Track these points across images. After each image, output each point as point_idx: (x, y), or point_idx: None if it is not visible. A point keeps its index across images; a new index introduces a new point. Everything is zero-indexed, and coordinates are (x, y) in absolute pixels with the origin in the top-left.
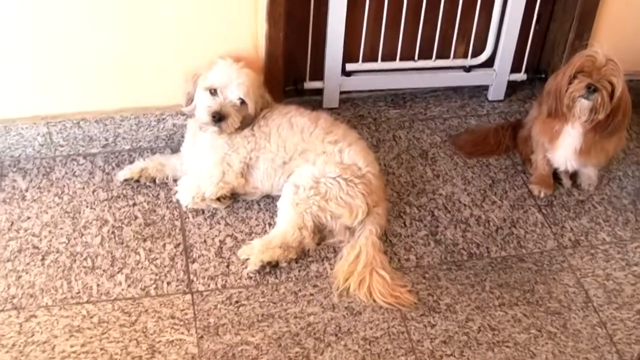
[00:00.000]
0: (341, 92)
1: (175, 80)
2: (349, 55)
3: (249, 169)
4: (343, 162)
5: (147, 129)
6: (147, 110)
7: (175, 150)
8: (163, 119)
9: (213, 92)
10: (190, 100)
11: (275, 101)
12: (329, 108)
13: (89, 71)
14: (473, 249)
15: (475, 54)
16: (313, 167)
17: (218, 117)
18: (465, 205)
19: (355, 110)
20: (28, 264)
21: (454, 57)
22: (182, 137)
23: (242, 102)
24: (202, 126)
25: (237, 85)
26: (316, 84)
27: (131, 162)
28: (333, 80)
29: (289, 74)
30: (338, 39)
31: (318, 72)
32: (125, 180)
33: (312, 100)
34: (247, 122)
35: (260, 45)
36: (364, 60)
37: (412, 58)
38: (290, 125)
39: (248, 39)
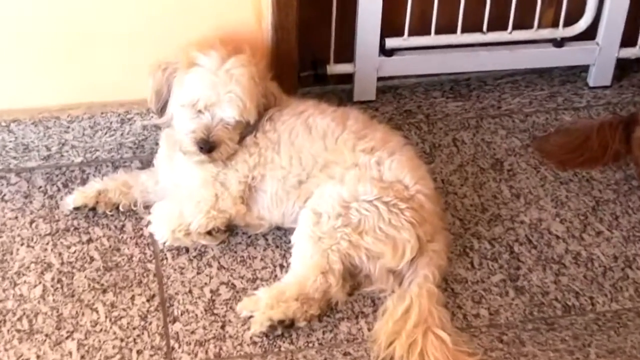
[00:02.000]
0: (379, 79)
1: (146, 66)
2: (390, 26)
3: (251, 191)
4: (383, 179)
5: (106, 133)
6: (107, 107)
7: (146, 163)
8: (129, 120)
9: (196, 108)
10: (162, 106)
11: (287, 94)
12: (363, 101)
13: (23, 51)
14: (570, 299)
15: (569, 22)
16: (341, 187)
17: (207, 148)
18: (557, 237)
19: (399, 104)
20: None
21: (540, 26)
22: (157, 144)
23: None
24: (185, 152)
25: (230, 103)
26: (344, 68)
27: (84, 182)
28: (368, 61)
29: (305, 54)
30: (374, 3)
31: (347, 51)
32: (77, 207)
33: (339, 91)
34: (247, 131)
35: (265, 14)
36: (411, 34)
37: (479, 29)
38: (308, 129)
39: (247, 5)
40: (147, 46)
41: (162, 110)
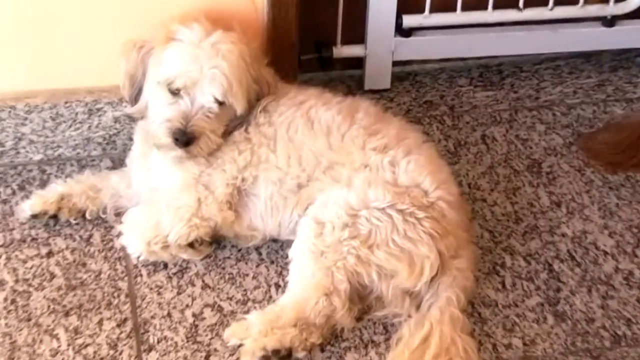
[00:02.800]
0: (395, 63)
1: (118, 47)
2: (408, 2)
3: (241, 195)
4: (398, 183)
5: (71, 126)
6: (72, 95)
7: (118, 162)
8: (98, 110)
9: (172, 90)
10: (137, 93)
11: (285, 81)
12: (375, 90)
13: None
14: (620, 328)
15: None
16: (348, 192)
17: (184, 140)
18: (605, 253)
19: (418, 94)
20: None
21: (586, 2)
22: (130, 139)
23: (222, 103)
24: (159, 146)
25: (212, 81)
26: (353, 50)
27: (44, 185)
28: (381, 43)
29: (307, 34)
30: None
31: (356, 30)
32: (35, 215)
33: (346, 78)
34: (235, 124)
35: None
36: (432, 10)
37: (514, 5)
38: (309, 123)
39: None
40: (119, 25)
41: (136, 98)
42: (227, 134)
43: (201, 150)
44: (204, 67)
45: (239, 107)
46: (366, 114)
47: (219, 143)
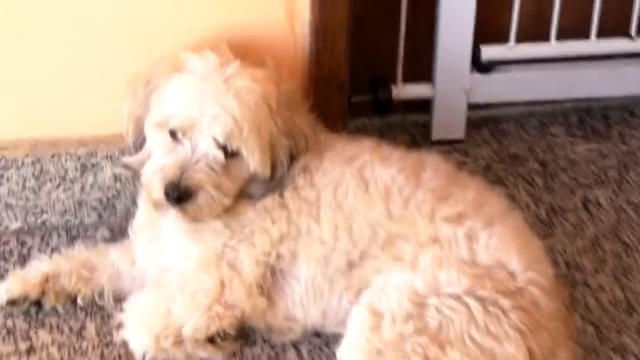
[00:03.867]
0: (471, 107)
1: (120, 86)
2: (488, 29)
3: (276, 277)
4: (476, 262)
5: (59, 186)
6: (60, 147)
7: (118, 233)
8: (93, 166)
9: (173, 133)
10: (140, 140)
11: (331, 130)
12: (446, 141)
13: None
14: None
15: None
16: (412, 274)
17: (177, 195)
18: None
19: (500, 146)
20: None
21: None
22: (134, 203)
23: (232, 153)
24: (154, 205)
25: (213, 120)
26: (418, 90)
27: (24, 262)
28: (454, 80)
29: (359, 70)
30: None
31: (422, 66)
32: (12, 301)
33: (409, 126)
34: (263, 189)
35: (300, 10)
36: (519, 40)
37: (624, 33)
38: (363, 184)
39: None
40: (122, 59)
41: (141, 145)
42: (250, 197)
43: (200, 210)
44: (206, 105)
45: (253, 160)
46: (435, 173)
47: (226, 204)
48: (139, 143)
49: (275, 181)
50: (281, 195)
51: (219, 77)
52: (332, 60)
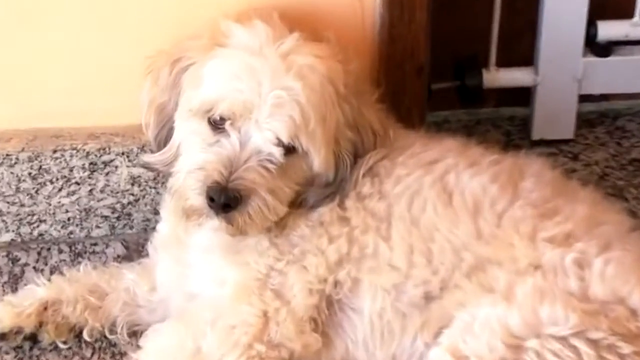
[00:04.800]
0: (583, 98)
1: (137, 67)
2: (607, 1)
3: (333, 309)
4: (589, 296)
5: (61, 189)
6: (64, 140)
7: (135, 250)
8: (105, 165)
9: (216, 123)
10: (165, 133)
11: (405, 125)
12: (551, 141)
13: None
14: None
15: None
16: (506, 309)
17: (224, 200)
18: None
19: (620, 148)
20: None
21: None
22: (155, 213)
23: (290, 149)
24: (187, 213)
25: (276, 109)
26: (516, 76)
27: (16, 284)
28: (562, 65)
29: (442, 50)
30: None
31: (520, 46)
32: (3, 334)
33: (504, 122)
34: (319, 194)
35: None
36: None
37: None
38: (446, 195)
39: None
40: (140, 32)
41: (165, 141)
42: (304, 206)
43: (250, 220)
44: (264, 87)
45: (317, 160)
46: (537, 183)
47: (280, 213)
48: (163, 137)
49: (334, 185)
50: (341, 206)
51: (274, 52)
52: (409, 37)
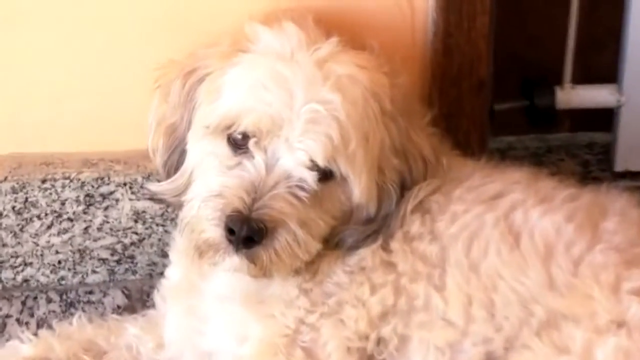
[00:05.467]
0: None
1: (143, 82)
2: None
3: None
4: None
5: (51, 226)
6: (57, 166)
7: (138, 299)
8: (103, 198)
9: (237, 142)
10: (176, 158)
11: (462, 153)
12: (638, 173)
13: None
14: None
15: None
16: None
17: (246, 232)
18: None
19: None
20: None
21: None
22: (164, 255)
23: (326, 174)
24: (201, 249)
25: (311, 126)
26: (595, 96)
27: None
28: None
29: (507, 64)
30: None
31: (601, 61)
32: None
33: (581, 150)
34: (359, 233)
35: None
36: None
37: None
38: (512, 237)
39: None
40: (146, 41)
41: (176, 167)
42: (340, 248)
43: (277, 259)
44: (296, 100)
45: (357, 188)
46: (621, 223)
47: (312, 251)
48: (174, 163)
49: (377, 222)
50: (386, 248)
51: (309, 58)
52: (468, 47)
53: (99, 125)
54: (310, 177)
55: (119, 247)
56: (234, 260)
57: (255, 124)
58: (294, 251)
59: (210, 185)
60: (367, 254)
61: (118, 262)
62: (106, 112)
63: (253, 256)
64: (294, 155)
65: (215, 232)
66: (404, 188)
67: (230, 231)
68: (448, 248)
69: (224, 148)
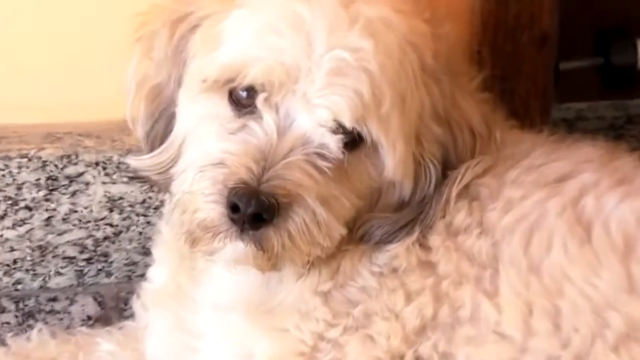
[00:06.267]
0: None
1: (117, 34)
2: None
3: None
4: None
5: (5, 216)
6: (12, 142)
7: (113, 307)
8: (70, 181)
9: (241, 100)
10: (162, 126)
11: (521, 122)
12: None
13: None
14: None
15: None
16: None
17: (253, 209)
18: None
19: None
20: None
21: None
22: (145, 253)
23: (353, 140)
24: (195, 234)
25: (332, 79)
26: None
27: None
28: None
29: (575, 13)
30: None
31: None
32: None
33: None
34: (394, 223)
35: None
36: None
37: None
38: (581, 229)
39: None
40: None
41: (162, 137)
42: (367, 242)
43: (291, 244)
44: (317, 46)
45: (391, 159)
46: None
47: (336, 236)
48: (159, 133)
49: (412, 210)
50: (424, 243)
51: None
52: None
53: (63, 90)
54: (334, 142)
55: (89, 242)
56: (237, 247)
57: (264, 75)
58: (312, 235)
59: (208, 152)
60: (400, 251)
61: (88, 261)
62: (72, 73)
63: (262, 239)
64: (313, 114)
65: (214, 211)
66: (446, 166)
67: (233, 208)
68: (501, 243)
69: (225, 108)
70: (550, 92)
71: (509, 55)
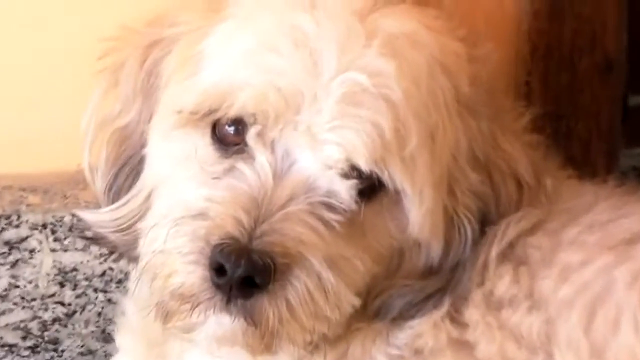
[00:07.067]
0: None
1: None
2: None
3: None
4: None
5: None
6: None
7: None
8: (11, 246)
9: (226, 137)
10: (122, 179)
11: (579, 169)
12: None
13: None
14: None
15: None
16: None
17: (242, 272)
18: None
19: None
20: None
21: None
22: (105, 339)
23: (371, 186)
24: (169, 307)
25: (344, 108)
26: None
27: None
28: None
29: None
30: None
31: None
32: None
33: None
34: (418, 293)
35: None
36: None
37: None
38: None
39: None
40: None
41: (129, 188)
42: (383, 316)
43: (290, 318)
44: (324, 67)
45: (416, 210)
46: None
47: (347, 308)
48: (124, 183)
49: (443, 276)
50: (456, 318)
51: (343, 6)
52: (589, 8)
53: (2, 133)
54: (345, 189)
55: (34, 326)
56: (221, 321)
57: (256, 103)
58: (316, 305)
59: (185, 201)
60: (426, 328)
61: (33, 350)
62: (12, 110)
63: (253, 311)
64: (319, 153)
65: (193, 274)
66: (484, 223)
67: (218, 270)
68: (557, 321)
69: (206, 147)
70: (616, 133)
71: (564, 87)
